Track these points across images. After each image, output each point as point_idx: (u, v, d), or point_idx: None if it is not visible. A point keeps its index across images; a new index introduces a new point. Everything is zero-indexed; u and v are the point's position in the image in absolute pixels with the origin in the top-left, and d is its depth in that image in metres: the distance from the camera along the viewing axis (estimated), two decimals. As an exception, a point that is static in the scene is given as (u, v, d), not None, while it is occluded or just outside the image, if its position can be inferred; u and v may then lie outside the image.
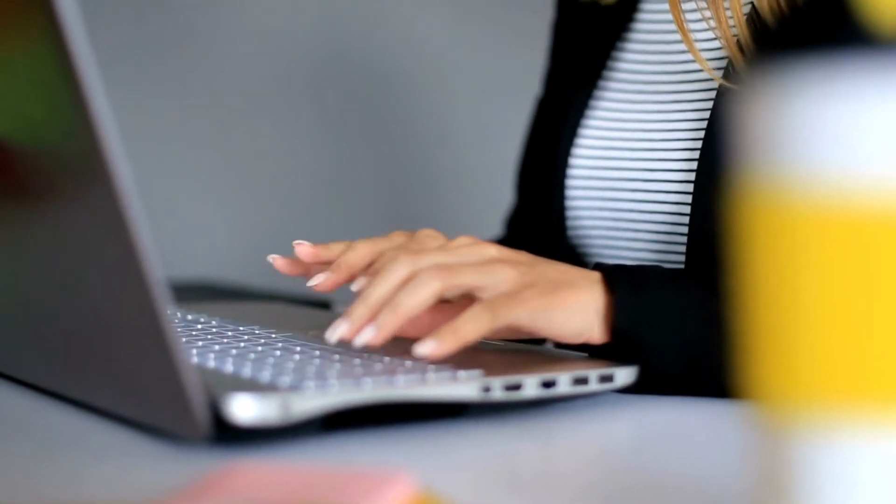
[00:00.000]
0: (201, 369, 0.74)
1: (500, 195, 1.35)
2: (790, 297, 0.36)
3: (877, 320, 0.35)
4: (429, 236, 0.89)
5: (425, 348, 0.75)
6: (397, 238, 0.91)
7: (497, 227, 1.28)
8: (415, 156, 1.88)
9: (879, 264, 0.35)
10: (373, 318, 0.77)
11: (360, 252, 0.87)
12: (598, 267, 0.83)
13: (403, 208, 1.89)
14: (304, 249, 0.90)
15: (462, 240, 0.83)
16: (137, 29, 1.76)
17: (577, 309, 0.79)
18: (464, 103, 1.87)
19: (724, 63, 0.98)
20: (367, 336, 0.76)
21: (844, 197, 0.35)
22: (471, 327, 0.76)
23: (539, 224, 1.13)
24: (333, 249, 0.90)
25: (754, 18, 0.96)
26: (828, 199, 0.35)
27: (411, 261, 0.79)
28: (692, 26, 1.01)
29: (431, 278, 0.77)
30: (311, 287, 0.86)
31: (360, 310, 0.77)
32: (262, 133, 1.82)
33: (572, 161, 1.06)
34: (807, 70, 0.35)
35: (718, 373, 0.75)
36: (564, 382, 0.74)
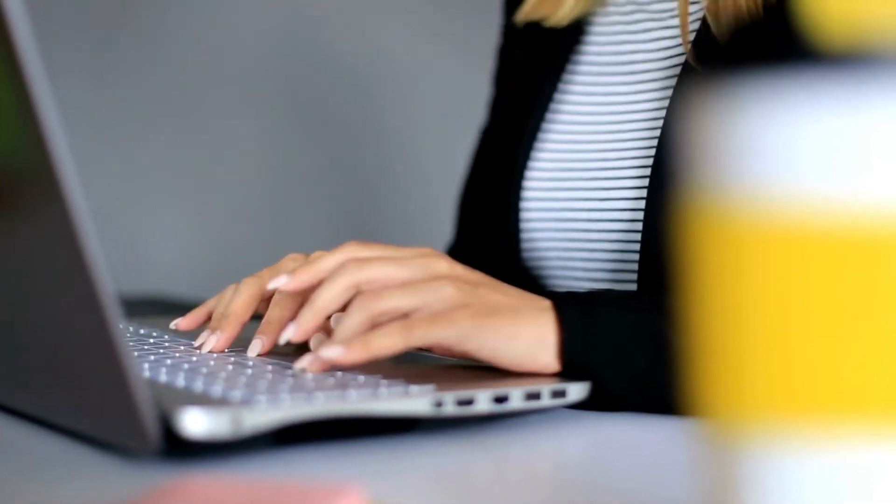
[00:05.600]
0: (153, 383, 0.73)
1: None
2: (735, 311, 0.37)
3: (819, 335, 0.35)
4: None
5: (331, 352, 0.75)
6: (289, 264, 0.89)
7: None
8: (375, 166, 1.88)
9: (821, 280, 0.35)
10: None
11: (246, 297, 0.87)
12: (551, 295, 0.82)
13: (361, 218, 1.89)
14: (182, 323, 0.90)
15: (420, 250, 0.83)
16: (91, 35, 1.75)
17: (513, 335, 0.78)
18: (428, 113, 1.87)
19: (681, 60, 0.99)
20: (289, 333, 0.79)
21: (787, 213, 0.35)
22: (383, 342, 0.76)
23: (489, 249, 1.13)
24: (222, 302, 0.89)
25: (702, 36, 0.97)
26: (771, 215, 0.36)
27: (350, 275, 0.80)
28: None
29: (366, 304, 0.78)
30: (206, 352, 0.85)
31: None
32: (217, 148, 1.81)
33: (526, 184, 1.07)
34: (751, 86, 0.36)
35: (670, 397, 0.75)
36: (517, 397, 0.74)
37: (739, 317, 0.36)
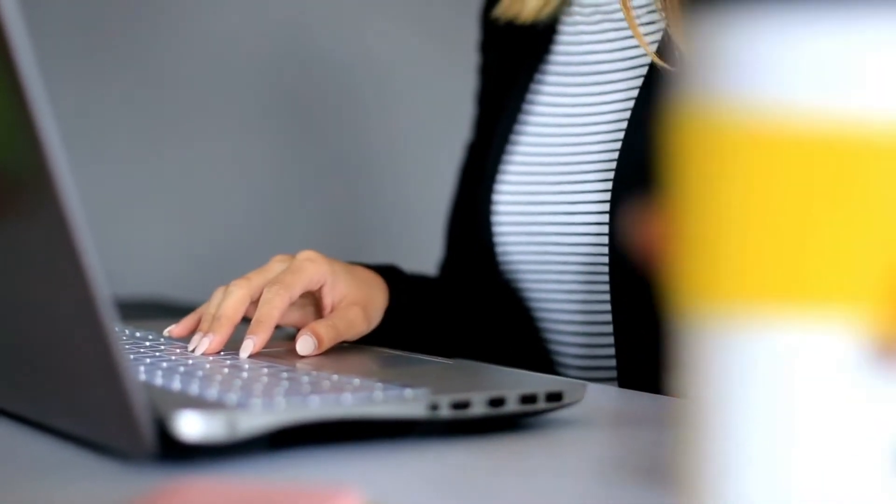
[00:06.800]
0: (148, 386, 0.73)
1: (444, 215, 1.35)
2: (714, 208, 0.40)
3: (787, 228, 0.39)
4: (308, 259, 0.90)
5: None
6: (276, 265, 0.91)
7: (438, 248, 1.27)
8: (366, 168, 1.88)
9: (795, 180, 0.39)
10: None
11: (236, 298, 0.88)
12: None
13: (353, 220, 1.89)
14: (175, 330, 0.91)
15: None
16: (86, 40, 1.75)
17: None
18: (419, 115, 1.87)
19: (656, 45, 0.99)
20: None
21: (768, 119, 0.39)
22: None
23: (473, 265, 1.13)
24: (212, 305, 0.90)
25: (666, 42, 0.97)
26: (753, 121, 0.39)
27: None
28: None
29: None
30: (200, 354, 0.86)
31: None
32: (211, 150, 1.81)
33: (496, 198, 1.07)
34: (740, 2, 0.39)
35: None
36: (512, 401, 0.74)
37: (718, 213, 0.40)
